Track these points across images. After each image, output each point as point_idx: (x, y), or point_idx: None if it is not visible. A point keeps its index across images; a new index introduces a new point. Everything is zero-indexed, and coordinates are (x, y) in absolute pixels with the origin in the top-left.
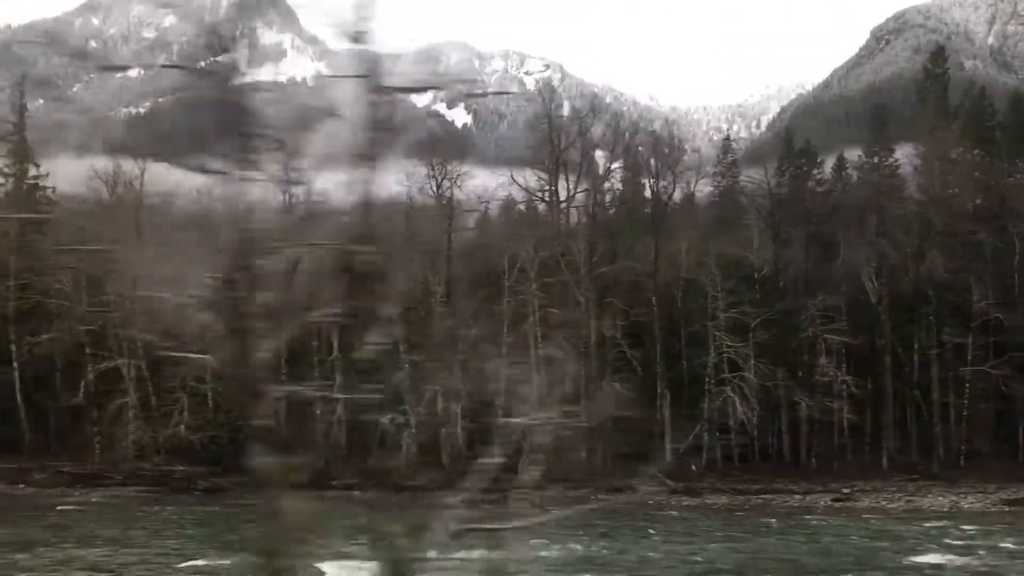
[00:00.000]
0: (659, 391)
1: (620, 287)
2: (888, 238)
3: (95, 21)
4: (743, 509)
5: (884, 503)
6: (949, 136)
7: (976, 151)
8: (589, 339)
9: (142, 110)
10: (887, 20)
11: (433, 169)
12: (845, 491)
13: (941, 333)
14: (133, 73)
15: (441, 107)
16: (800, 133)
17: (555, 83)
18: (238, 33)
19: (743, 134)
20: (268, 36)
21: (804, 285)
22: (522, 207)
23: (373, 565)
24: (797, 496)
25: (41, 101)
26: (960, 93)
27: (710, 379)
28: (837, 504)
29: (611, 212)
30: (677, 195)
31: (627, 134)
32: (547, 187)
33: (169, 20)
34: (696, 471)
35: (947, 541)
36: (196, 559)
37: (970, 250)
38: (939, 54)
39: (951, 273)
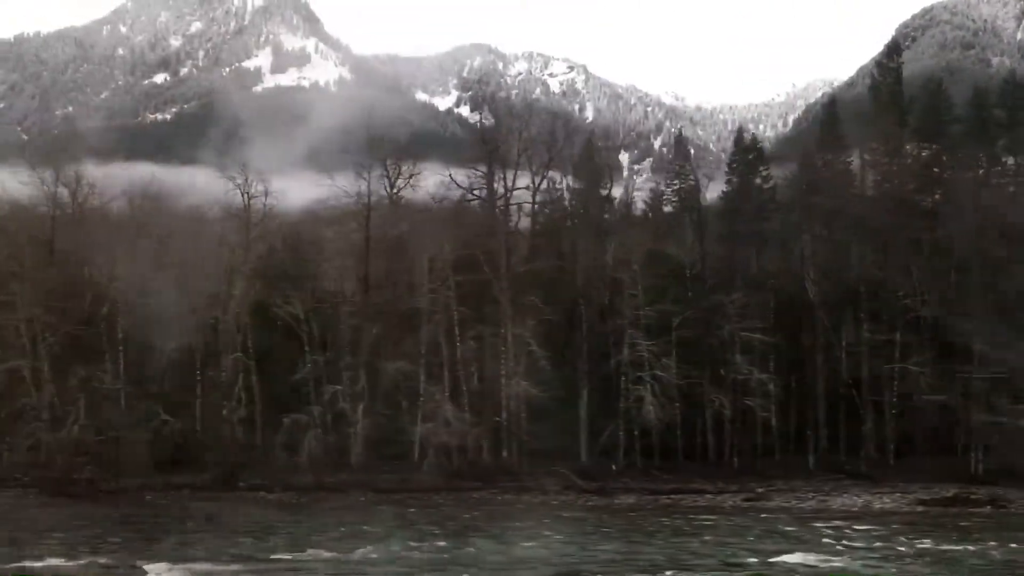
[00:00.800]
0: (579, 390)
1: (557, 286)
2: (811, 234)
3: (123, 29)
4: (647, 509)
5: (795, 502)
6: (901, 131)
7: (933, 146)
8: (507, 338)
9: (168, 116)
10: (913, 17)
11: (387, 169)
12: (759, 490)
13: (864, 330)
14: (159, 79)
15: (464, 109)
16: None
17: (579, 84)
18: (262, 39)
19: (769, 133)
20: (292, 41)
21: (733, 283)
22: (476, 206)
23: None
24: (709, 495)
25: (70, 108)
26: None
27: (626, 377)
28: (746, 504)
29: (559, 212)
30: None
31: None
32: (484, 185)
33: (196, 26)
34: (615, 470)
35: (828, 541)
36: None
37: (910, 247)
38: (894, 47)
39: (883, 270)
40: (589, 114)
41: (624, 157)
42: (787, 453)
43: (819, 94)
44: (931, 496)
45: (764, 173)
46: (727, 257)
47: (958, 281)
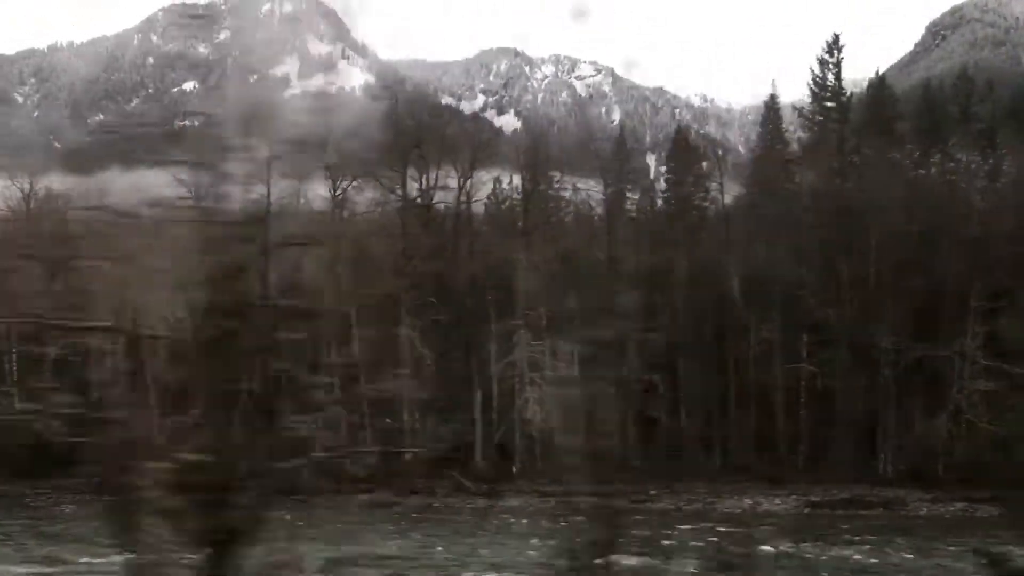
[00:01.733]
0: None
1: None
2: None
3: (154, 38)
4: (524, 511)
5: (682, 504)
6: (841, 129)
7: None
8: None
9: (196, 123)
10: (943, 15)
11: (329, 173)
12: (652, 492)
13: (764, 330)
14: (188, 86)
15: (490, 113)
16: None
17: (606, 87)
18: (289, 46)
19: (800, 133)
20: (319, 48)
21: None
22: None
23: None
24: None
25: (101, 116)
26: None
27: (520, 378)
28: (632, 506)
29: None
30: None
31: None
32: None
33: (224, 34)
34: (515, 472)
35: (668, 544)
36: None
37: (834, 247)
38: (835, 43)
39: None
40: (616, 117)
41: (651, 159)
42: (697, 454)
43: (848, 93)
44: (825, 498)
45: (698, 170)
46: (647, 258)
47: (876, 282)
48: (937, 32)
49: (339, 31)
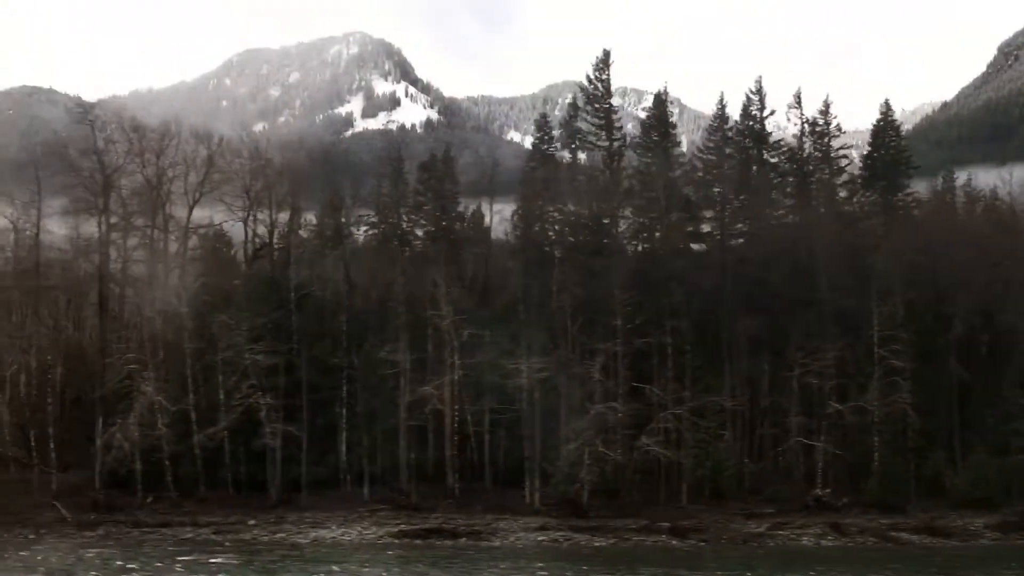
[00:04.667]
0: None
1: None
2: None
3: (228, 82)
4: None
5: (278, 536)
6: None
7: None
8: None
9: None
10: (1015, 35)
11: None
12: (251, 522)
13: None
14: (259, 128)
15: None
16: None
17: (673, 117)
18: (355, 86)
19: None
20: (383, 86)
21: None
22: None
23: None
24: (190, 528)
25: None
26: None
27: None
28: (216, 536)
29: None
30: None
31: None
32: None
33: (294, 77)
34: (141, 501)
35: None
36: None
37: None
38: (605, 59)
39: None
40: (684, 146)
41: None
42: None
43: (918, 118)
44: (420, 527)
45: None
46: None
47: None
48: (1009, 52)
49: (403, 70)
